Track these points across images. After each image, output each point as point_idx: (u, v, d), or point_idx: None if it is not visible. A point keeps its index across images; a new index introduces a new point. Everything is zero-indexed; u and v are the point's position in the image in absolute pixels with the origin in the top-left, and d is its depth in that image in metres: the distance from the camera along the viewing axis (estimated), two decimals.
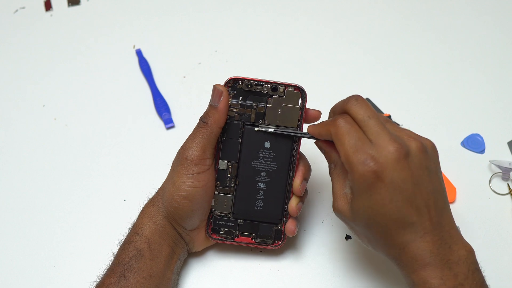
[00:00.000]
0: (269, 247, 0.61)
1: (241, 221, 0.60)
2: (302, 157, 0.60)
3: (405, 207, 0.48)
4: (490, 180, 0.69)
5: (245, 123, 0.58)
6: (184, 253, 0.61)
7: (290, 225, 0.59)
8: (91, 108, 0.76)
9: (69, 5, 0.87)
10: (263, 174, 0.59)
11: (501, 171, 0.69)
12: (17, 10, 0.87)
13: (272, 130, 0.58)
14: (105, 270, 0.57)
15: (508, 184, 0.69)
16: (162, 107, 0.75)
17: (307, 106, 0.58)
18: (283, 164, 0.58)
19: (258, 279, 0.63)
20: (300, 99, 0.58)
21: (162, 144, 0.73)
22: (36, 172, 0.71)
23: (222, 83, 0.57)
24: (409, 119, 0.74)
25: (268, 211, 0.60)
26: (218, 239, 0.61)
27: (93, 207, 0.68)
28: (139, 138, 0.74)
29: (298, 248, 0.64)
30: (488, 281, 0.51)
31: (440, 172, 0.52)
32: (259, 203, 0.59)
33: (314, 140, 0.57)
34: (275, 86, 0.58)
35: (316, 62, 0.80)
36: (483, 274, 0.50)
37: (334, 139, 0.52)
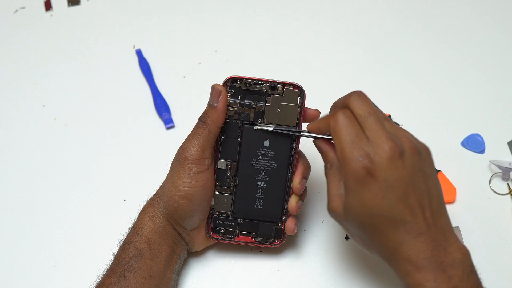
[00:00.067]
0: (269, 246, 0.61)
1: (241, 220, 0.60)
2: (301, 155, 0.60)
3: (398, 205, 0.48)
4: (490, 180, 0.69)
5: (244, 122, 0.58)
6: (184, 253, 0.61)
7: (290, 224, 0.59)
8: (91, 108, 0.76)
9: (69, 5, 0.87)
10: (263, 173, 0.59)
11: (501, 171, 0.69)
12: (17, 10, 0.87)
13: (271, 128, 0.58)
14: (105, 270, 0.57)
15: (508, 184, 0.68)
16: (162, 107, 0.75)
17: (306, 105, 0.58)
18: (283, 162, 0.58)
19: (258, 279, 0.62)
20: (299, 97, 0.58)
21: (162, 144, 0.73)
22: (36, 172, 0.71)
23: (221, 83, 0.57)
24: (409, 119, 0.74)
25: (268, 210, 0.60)
26: (218, 238, 0.61)
27: (93, 207, 0.68)
28: (139, 138, 0.74)
29: (298, 248, 0.64)
30: (488, 281, 0.50)
31: (436, 176, 0.51)
32: (259, 202, 0.59)
33: (313, 139, 0.57)
34: (273, 85, 0.58)
35: (316, 62, 0.80)
36: (480, 276, 0.49)
37: (332, 133, 0.52)
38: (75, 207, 0.68)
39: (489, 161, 0.70)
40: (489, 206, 0.67)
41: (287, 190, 0.59)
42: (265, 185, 0.59)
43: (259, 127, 0.58)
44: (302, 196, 0.59)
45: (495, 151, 0.71)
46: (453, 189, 0.67)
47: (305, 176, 0.59)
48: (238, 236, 0.61)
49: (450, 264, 0.48)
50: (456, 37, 0.82)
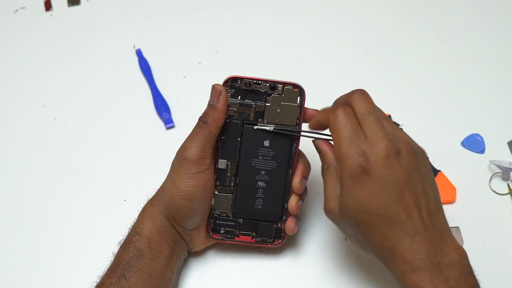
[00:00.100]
0: (270, 245, 0.61)
1: (241, 220, 0.60)
2: (301, 155, 0.60)
3: (393, 204, 0.48)
4: (490, 180, 0.69)
5: (244, 122, 0.58)
6: (184, 253, 0.61)
7: (290, 223, 0.59)
8: (91, 108, 0.76)
9: (69, 5, 0.87)
10: (263, 172, 0.59)
11: (501, 171, 0.69)
12: (17, 10, 0.87)
13: (271, 128, 0.58)
14: (105, 270, 0.57)
15: (508, 184, 0.68)
16: (162, 107, 0.75)
17: (306, 105, 0.58)
18: (283, 162, 0.58)
19: (258, 279, 0.62)
20: (299, 97, 0.58)
21: (162, 144, 0.73)
22: (36, 172, 0.71)
23: (221, 83, 0.57)
24: (409, 119, 0.74)
25: (268, 209, 0.60)
26: (219, 238, 0.61)
27: (93, 207, 0.68)
28: (139, 138, 0.74)
29: (298, 248, 0.64)
30: (488, 281, 0.50)
31: (433, 178, 0.51)
32: (259, 201, 0.59)
33: (312, 139, 0.57)
34: (273, 85, 0.58)
35: (316, 62, 0.80)
36: (477, 277, 0.49)
37: (331, 129, 0.52)
38: (75, 207, 0.68)
39: (489, 161, 0.70)
40: (489, 206, 0.67)
41: (287, 190, 0.59)
42: (265, 185, 0.59)
43: (259, 127, 0.58)
44: (302, 196, 0.59)
45: (495, 151, 0.71)
46: (453, 189, 0.67)
47: (305, 176, 0.59)
48: (238, 236, 0.61)
49: (447, 265, 0.48)
50: (456, 37, 0.82)
